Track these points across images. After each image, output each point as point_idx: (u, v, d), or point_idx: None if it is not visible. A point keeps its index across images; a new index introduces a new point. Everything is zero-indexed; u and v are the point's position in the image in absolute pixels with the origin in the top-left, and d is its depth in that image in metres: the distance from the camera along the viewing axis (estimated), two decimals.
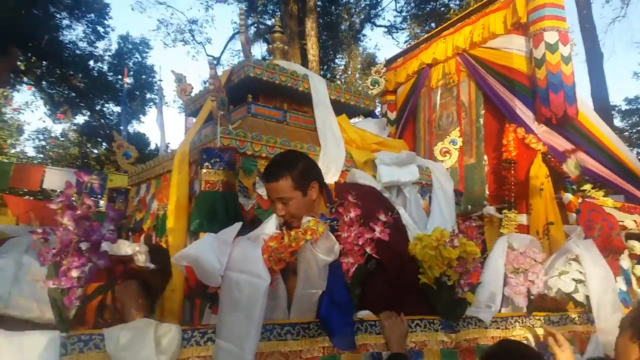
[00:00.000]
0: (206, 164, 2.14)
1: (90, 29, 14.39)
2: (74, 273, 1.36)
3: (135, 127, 17.47)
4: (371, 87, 3.30)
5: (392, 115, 4.42)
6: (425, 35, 4.46)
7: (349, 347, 1.70)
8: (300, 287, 1.74)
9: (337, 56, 18.77)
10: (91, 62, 15.23)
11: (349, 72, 17.26)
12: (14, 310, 1.52)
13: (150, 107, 17.93)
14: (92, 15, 14.16)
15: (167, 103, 18.25)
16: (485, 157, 3.55)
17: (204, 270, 1.53)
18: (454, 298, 1.97)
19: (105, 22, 14.74)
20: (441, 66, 4.01)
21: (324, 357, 1.68)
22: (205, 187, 2.12)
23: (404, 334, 1.82)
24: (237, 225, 1.69)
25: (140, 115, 17.71)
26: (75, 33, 14.57)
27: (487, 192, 3.46)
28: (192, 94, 3.28)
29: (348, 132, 2.75)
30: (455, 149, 3.67)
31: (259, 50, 16.08)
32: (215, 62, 17.60)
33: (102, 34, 14.78)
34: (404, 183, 2.72)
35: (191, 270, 1.59)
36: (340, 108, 3.01)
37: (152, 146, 16.91)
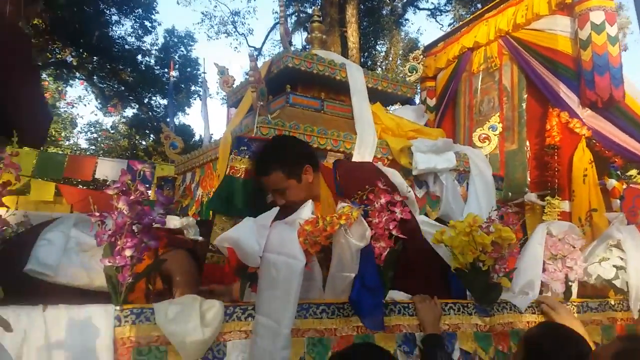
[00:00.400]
0: (235, 150, 2.24)
1: (138, 24, 14.91)
2: (128, 252, 1.49)
3: (180, 118, 18.07)
4: (409, 74, 3.29)
5: (432, 102, 4.38)
6: (467, 19, 4.37)
7: (378, 328, 1.76)
8: (334, 269, 1.81)
9: (378, 42, 18.52)
10: (139, 57, 15.81)
11: (390, 59, 17.02)
12: (63, 278, 1.61)
13: (194, 99, 18.42)
14: (140, 10, 14.65)
15: (210, 95, 18.73)
16: (527, 143, 3.47)
17: (244, 251, 1.63)
18: (488, 283, 1.98)
19: (152, 16, 15.22)
20: (483, 50, 3.92)
21: (357, 336, 1.76)
22: (229, 172, 2.22)
23: (438, 317, 1.86)
24: (274, 211, 1.78)
25: (185, 107, 18.26)
26: (124, 29, 15.15)
27: (529, 179, 3.39)
28: (234, 86, 3.40)
29: (383, 119, 2.78)
30: (495, 135, 3.61)
31: (299, 39, 16.15)
32: (256, 52, 17.84)
33: (149, 28, 15.27)
34: (441, 170, 2.72)
35: (233, 251, 1.70)
36: (377, 96, 3.04)
37: (197, 137, 17.41)
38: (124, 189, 1.54)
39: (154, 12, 15.28)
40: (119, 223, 1.49)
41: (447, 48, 4.31)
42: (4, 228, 1.46)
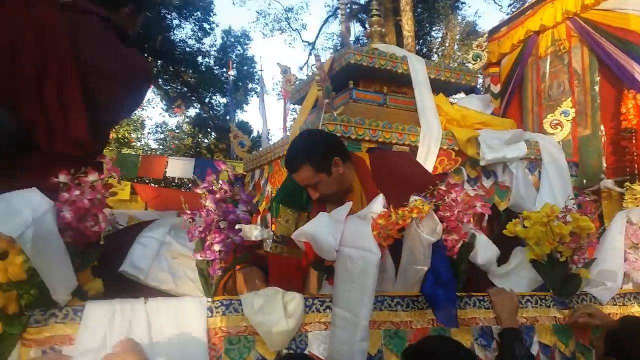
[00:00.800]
0: None
1: (197, 27, 15.49)
2: (216, 247, 1.60)
3: (239, 116, 18.61)
4: (473, 61, 3.23)
5: (496, 89, 4.25)
6: (531, 1, 4.20)
7: (452, 323, 1.76)
8: (405, 262, 1.83)
9: (433, 29, 18.08)
10: (199, 58, 16.44)
11: (447, 45, 16.56)
12: (153, 282, 1.72)
13: (251, 97, 18.91)
14: (199, 13, 15.19)
15: (267, 92, 19.16)
16: (602, 127, 3.30)
17: (320, 246, 1.69)
18: (567, 274, 1.94)
19: (210, 18, 15.76)
20: (550, 32, 3.76)
21: (433, 329, 1.78)
22: None
23: (515, 309, 1.84)
24: (348, 205, 1.83)
25: (243, 105, 18.78)
26: (184, 32, 15.82)
27: (605, 165, 3.23)
28: (296, 84, 3.48)
29: (447, 111, 2.76)
30: (567, 121, 3.45)
31: (352, 31, 16.07)
32: (310, 47, 17.96)
33: (208, 30, 15.84)
34: (510, 159, 2.66)
35: (309, 245, 1.78)
36: (440, 86, 3.01)
37: (255, 133, 17.87)
38: (211, 188, 1.65)
39: (211, 14, 15.82)
40: (207, 220, 1.61)
41: (511, 32, 4.16)
42: (109, 228, 1.62)
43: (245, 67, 18.12)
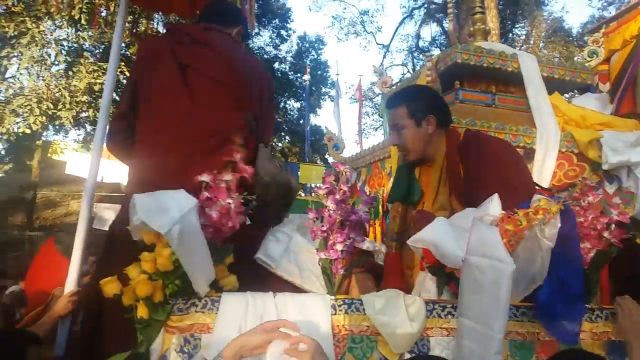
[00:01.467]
0: None
1: (275, 34, 15.96)
2: (339, 247, 1.61)
3: (311, 119, 18.93)
4: (588, 58, 3.02)
5: (605, 87, 3.92)
6: None
7: (570, 340, 1.62)
8: (518, 266, 1.72)
9: (516, 26, 17.32)
10: (275, 64, 16.92)
11: (531, 42, 15.75)
12: (281, 271, 1.80)
13: (324, 101, 19.12)
14: (277, 20, 15.66)
15: (340, 96, 19.30)
16: None
17: (443, 254, 1.64)
18: None
19: (287, 25, 16.18)
20: None
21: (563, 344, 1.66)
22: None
23: None
24: (468, 211, 1.77)
25: (317, 109, 19.06)
26: (262, 39, 16.35)
27: None
28: (392, 86, 3.45)
29: (565, 111, 2.59)
30: None
31: (428, 32, 15.76)
32: (385, 49, 17.85)
33: (285, 37, 16.26)
34: (635, 163, 2.44)
35: (428, 251, 1.73)
36: (554, 85, 2.83)
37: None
38: (331, 189, 1.66)
39: (289, 20, 16.24)
40: (329, 220, 1.62)
41: (622, 27, 3.84)
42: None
43: (319, 72, 18.39)
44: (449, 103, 2.74)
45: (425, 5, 15.82)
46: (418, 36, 17.83)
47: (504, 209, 1.72)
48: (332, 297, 1.59)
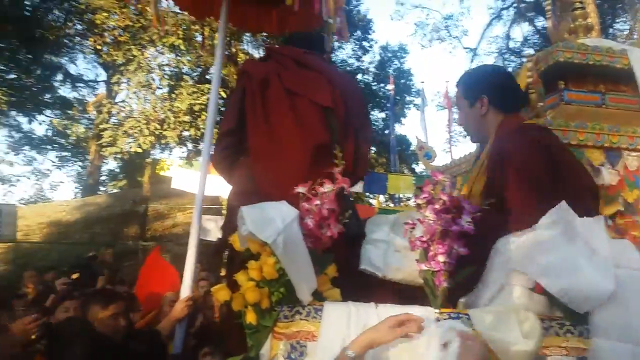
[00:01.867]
0: None
1: (358, 46, 16.09)
2: (440, 258, 1.56)
3: (396, 129, 18.73)
4: None
5: None
6: None
7: None
8: None
9: (616, 20, 15.93)
10: (359, 76, 17.03)
11: (635, 37, 14.33)
12: (389, 275, 1.80)
13: (408, 109, 18.85)
14: (359, 32, 15.80)
15: (426, 103, 18.94)
16: None
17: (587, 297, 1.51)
18: None
19: (369, 36, 16.25)
20: None
21: None
22: None
23: None
24: (601, 219, 1.64)
25: (401, 118, 18.84)
26: (345, 52, 16.56)
27: None
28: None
29: None
30: None
31: (518, 32, 14.99)
32: (471, 53, 17.24)
33: (367, 48, 16.34)
34: None
35: None
36: None
37: (413, 147, 17.76)
38: (430, 198, 1.63)
39: (370, 32, 16.31)
40: (429, 230, 1.59)
41: None
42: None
43: (402, 80, 18.20)
44: (552, 105, 2.57)
45: (515, 5, 15.06)
46: (508, 37, 17.04)
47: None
48: (437, 310, 1.55)
